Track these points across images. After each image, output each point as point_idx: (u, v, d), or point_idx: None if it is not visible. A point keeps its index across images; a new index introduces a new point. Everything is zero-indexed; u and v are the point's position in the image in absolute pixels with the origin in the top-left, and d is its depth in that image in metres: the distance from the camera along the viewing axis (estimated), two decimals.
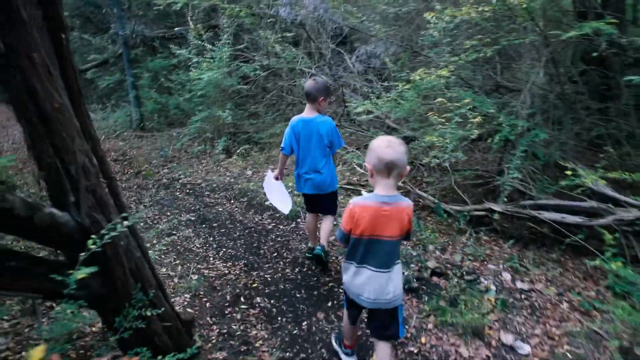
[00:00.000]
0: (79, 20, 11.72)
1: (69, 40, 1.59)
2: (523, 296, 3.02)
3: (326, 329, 2.73)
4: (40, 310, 2.62)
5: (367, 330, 2.53)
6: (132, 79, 9.22)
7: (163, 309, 2.09)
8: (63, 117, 1.52)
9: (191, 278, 3.35)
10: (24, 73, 1.42)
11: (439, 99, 3.87)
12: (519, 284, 3.14)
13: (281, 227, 4.35)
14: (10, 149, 8.35)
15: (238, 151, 6.88)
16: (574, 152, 4.11)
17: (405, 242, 3.49)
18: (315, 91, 3.12)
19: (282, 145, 3.31)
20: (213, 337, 2.65)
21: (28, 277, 1.64)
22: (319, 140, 3.18)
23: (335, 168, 3.41)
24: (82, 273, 1.42)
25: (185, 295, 3.11)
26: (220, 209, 5.01)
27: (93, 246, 1.48)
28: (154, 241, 4.02)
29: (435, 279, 3.22)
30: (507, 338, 2.59)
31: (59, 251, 2.07)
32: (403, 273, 3.16)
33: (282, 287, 3.24)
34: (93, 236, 1.52)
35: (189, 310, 2.90)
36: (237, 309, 2.96)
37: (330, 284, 3.23)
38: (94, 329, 2.55)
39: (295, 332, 2.72)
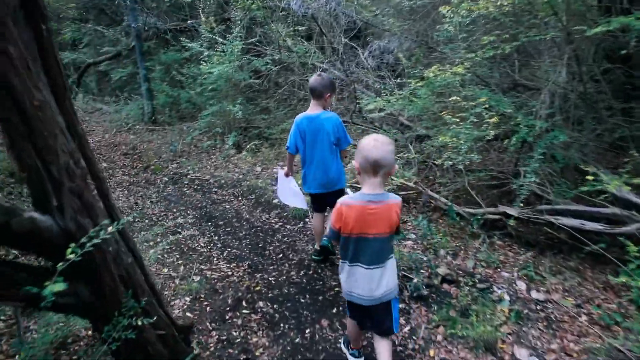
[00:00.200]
0: (93, 12, 11.75)
1: (51, 31, 1.47)
2: (538, 307, 2.86)
3: (330, 337, 2.62)
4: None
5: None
6: (145, 71, 9.16)
7: (157, 317, 1.99)
8: (44, 115, 1.41)
9: (193, 279, 3.26)
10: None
11: (454, 97, 3.71)
12: (534, 294, 2.98)
13: (288, 226, 4.24)
14: None
15: (248, 147, 6.77)
16: (595, 155, 3.90)
17: (405, 243, 3.38)
18: (321, 87, 3.02)
19: (287, 144, 3.20)
20: (211, 345, 2.55)
21: (10, 284, 1.55)
22: (325, 137, 3.07)
23: (343, 166, 3.28)
24: (57, 287, 1.32)
25: (186, 298, 3.02)
26: (227, 207, 4.91)
27: (72, 255, 1.37)
28: (158, 239, 3.94)
29: (445, 286, 3.07)
30: (522, 353, 2.44)
31: (41, 258, 1.97)
32: (412, 279, 3.04)
33: (286, 290, 3.13)
34: (72, 244, 1.41)
35: (188, 314, 2.82)
36: (239, 313, 2.86)
37: (336, 289, 3.10)
38: (89, 332, 2.47)
39: (297, 340, 2.61)
